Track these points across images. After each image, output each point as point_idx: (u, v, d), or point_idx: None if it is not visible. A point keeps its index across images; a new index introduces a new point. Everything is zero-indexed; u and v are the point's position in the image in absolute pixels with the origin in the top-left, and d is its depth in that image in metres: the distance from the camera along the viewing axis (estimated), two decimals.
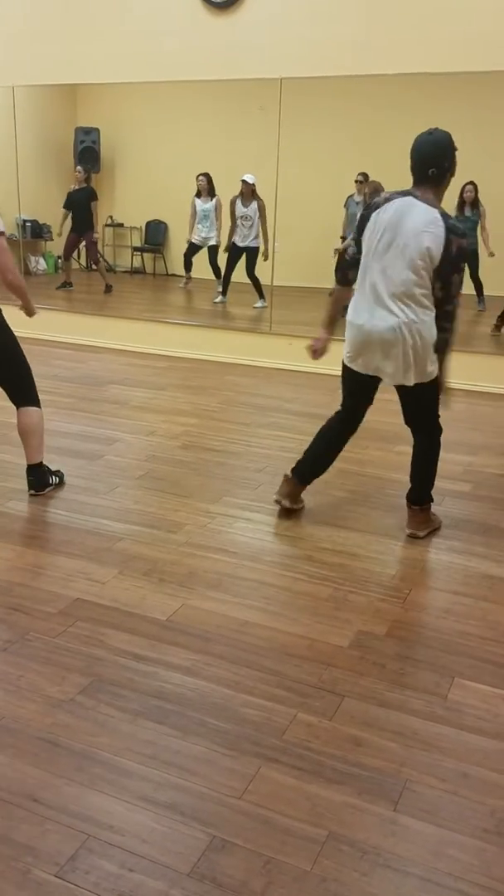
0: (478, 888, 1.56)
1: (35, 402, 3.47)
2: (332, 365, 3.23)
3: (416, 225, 2.78)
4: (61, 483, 3.58)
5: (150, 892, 1.52)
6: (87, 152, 8.72)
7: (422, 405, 3.08)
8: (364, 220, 2.94)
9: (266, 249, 7.29)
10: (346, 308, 3.08)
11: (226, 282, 7.75)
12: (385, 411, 5.09)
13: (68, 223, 8.15)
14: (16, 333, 3.34)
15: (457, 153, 2.87)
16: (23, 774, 1.81)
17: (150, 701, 2.09)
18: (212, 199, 7.94)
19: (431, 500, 3.22)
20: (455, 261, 2.81)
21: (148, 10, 6.03)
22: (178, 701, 2.09)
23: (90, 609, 2.53)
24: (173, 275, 9.32)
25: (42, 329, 6.91)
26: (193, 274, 8.37)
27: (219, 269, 8.14)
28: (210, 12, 5.85)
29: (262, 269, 7.22)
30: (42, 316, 6.91)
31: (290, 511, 3.33)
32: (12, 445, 4.02)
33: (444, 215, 2.81)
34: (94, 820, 1.69)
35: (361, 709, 2.10)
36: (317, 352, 3.20)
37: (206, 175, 7.85)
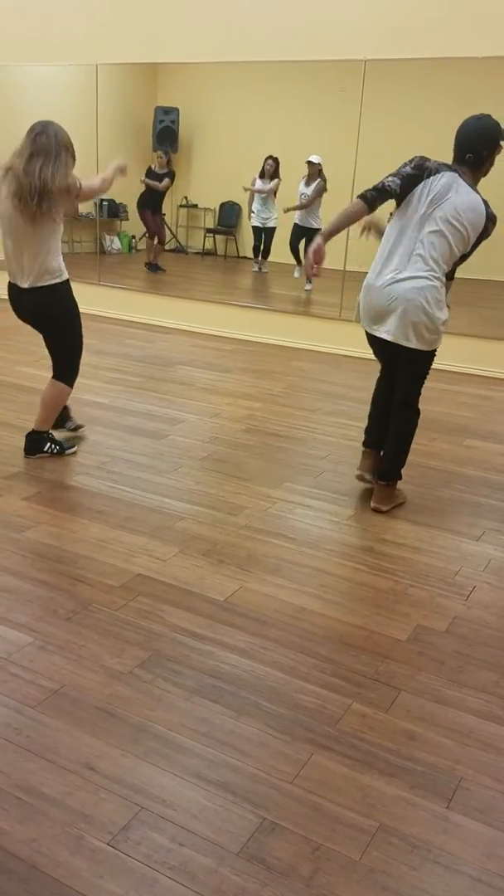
0: None
1: (68, 381, 3.56)
2: None
3: (462, 203, 2.88)
4: (60, 453, 3.61)
5: (199, 868, 1.54)
6: (166, 132, 8.75)
7: (416, 373, 3.14)
8: (416, 179, 2.95)
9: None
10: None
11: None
12: (454, 403, 5.00)
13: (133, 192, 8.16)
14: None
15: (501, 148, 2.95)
16: (80, 742, 1.85)
17: (206, 679, 2.11)
18: (272, 181, 7.92)
19: (400, 477, 3.31)
20: (479, 242, 3.00)
21: None
22: (234, 681, 2.11)
23: (151, 585, 2.57)
24: (244, 257, 9.30)
25: (115, 308, 7.02)
26: (270, 258, 8.35)
27: (269, 251, 8.15)
28: None
29: (334, 255, 7.14)
30: (115, 295, 7.06)
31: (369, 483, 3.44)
32: (84, 420, 4.09)
33: (485, 202, 2.93)
34: (146, 792, 1.72)
35: (418, 703, 2.07)
36: (318, 258, 3.01)
37: (275, 159, 7.81)
